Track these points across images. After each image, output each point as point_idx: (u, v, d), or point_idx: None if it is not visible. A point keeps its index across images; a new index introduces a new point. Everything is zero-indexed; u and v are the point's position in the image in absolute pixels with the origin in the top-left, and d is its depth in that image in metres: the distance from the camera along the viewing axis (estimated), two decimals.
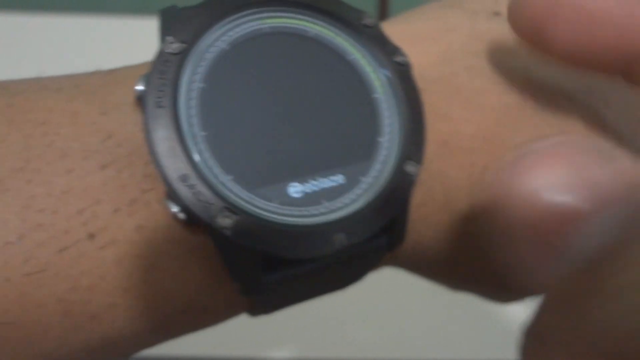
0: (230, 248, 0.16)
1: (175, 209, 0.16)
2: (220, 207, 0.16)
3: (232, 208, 0.16)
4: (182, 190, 0.16)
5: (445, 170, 0.21)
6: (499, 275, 0.22)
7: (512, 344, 0.19)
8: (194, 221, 0.16)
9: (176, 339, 0.20)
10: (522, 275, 0.21)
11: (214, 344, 0.21)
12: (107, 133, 0.17)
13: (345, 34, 0.19)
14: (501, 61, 0.22)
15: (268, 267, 0.17)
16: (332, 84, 0.18)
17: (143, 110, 0.16)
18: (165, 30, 0.17)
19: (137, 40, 0.52)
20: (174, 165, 0.16)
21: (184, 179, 0.16)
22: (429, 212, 0.21)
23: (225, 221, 0.16)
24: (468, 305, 0.33)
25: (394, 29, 0.22)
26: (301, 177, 0.17)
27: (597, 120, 0.23)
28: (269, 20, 0.18)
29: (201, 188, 0.16)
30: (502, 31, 0.22)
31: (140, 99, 0.17)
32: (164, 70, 0.17)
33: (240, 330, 0.20)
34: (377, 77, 0.19)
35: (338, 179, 0.17)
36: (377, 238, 0.18)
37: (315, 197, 0.17)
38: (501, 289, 0.23)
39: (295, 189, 0.17)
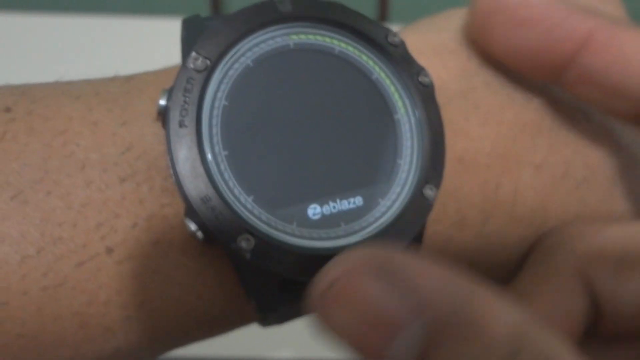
0: (247, 269, 0.17)
1: (193, 227, 0.16)
2: (240, 230, 0.16)
3: (251, 230, 0.16)
4: (203, 212, 0.16)
5: (460, 187, 0.21)
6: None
7: None
8: (212, 241, 0.16)
9: None
10: None
11: (214, 343, 0.21)
12: (127, 145, 0.17)
13: (370, 52, 0.19)
14: (519, 77, 0.22)
15: (284, 287, 0.17)
16: (355, 103, 0.18)
17: (165, 126, 0.16)
18: (189, 44, 0.17)
19: (137, 40, 0.51)
20: (196, 186, 0.16)
21: (205, 200, 0.16)
22: (441, 229, 0.21)
23: (245, 244, 0.16)
24: None
25: (410, 40, 0.21)
26: (321, 199, 0.17)
27: (613, 141, 0.23)
28: (294, 37, 0.18)
29: (222, 210, 0.16)
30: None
31: (162, 114, 0.17)
32: (188, 88, 0.16)
33: (240, 330, 0.20)
34: (399, 98, 0.19)
35: (357, 200, 0.17)
36: None
37: (334, 220, 0.17)
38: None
39: (314, 211, 0.17)
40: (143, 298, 0.17)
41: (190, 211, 0.16)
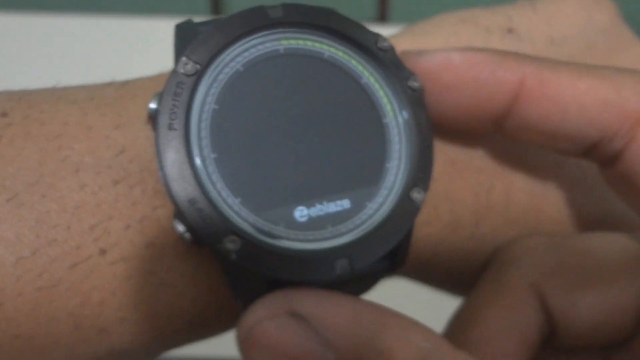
0: (234, 270, 0.17)
1: (181, 229, 0.16)
2: (226, 231, 0.16)
3: (238, 232, 0.16)
4: (190, 213, 0.16)
5: (452, 189, 0.21)
6: None
7: None
8: (199, 242, 0.17)
9: None
10: None
11: (214, 344, 0.21)
12: (120, 148, 0.18)
13: (360, 56, 0.19)
14: None
15: (271, 288, 0.17)
16: (344, 107, 0.18)
17: (154, 129, 0.17)
18: (180, 49, 0.17)
19: (137, 40, 0.52)
20: (183, 188, 0.16)
21: (192, 202, 0.16)
22: (433, 231, 0.21)
23: (231, 245, 0.16)
24: None
25: (405, 44, 0.21)
26: (308, 201, 0.17)
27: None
28: (284, 42, 0.18)
29: (209, 211, 0.16)
30: (515, 52, 0.22)
31: (153, 117, 0.17)
32: (178, 92, 0.17)
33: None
34: (388, 102, 0.19)
35: (344, 203, 0.18)
36: (378, 262, 0.18)
37: (321, 222, 0.17)
38: None
39: (301, 213, 0.17)
40: (137, 299, 0.17)
41: (178, 213, 0.16)
